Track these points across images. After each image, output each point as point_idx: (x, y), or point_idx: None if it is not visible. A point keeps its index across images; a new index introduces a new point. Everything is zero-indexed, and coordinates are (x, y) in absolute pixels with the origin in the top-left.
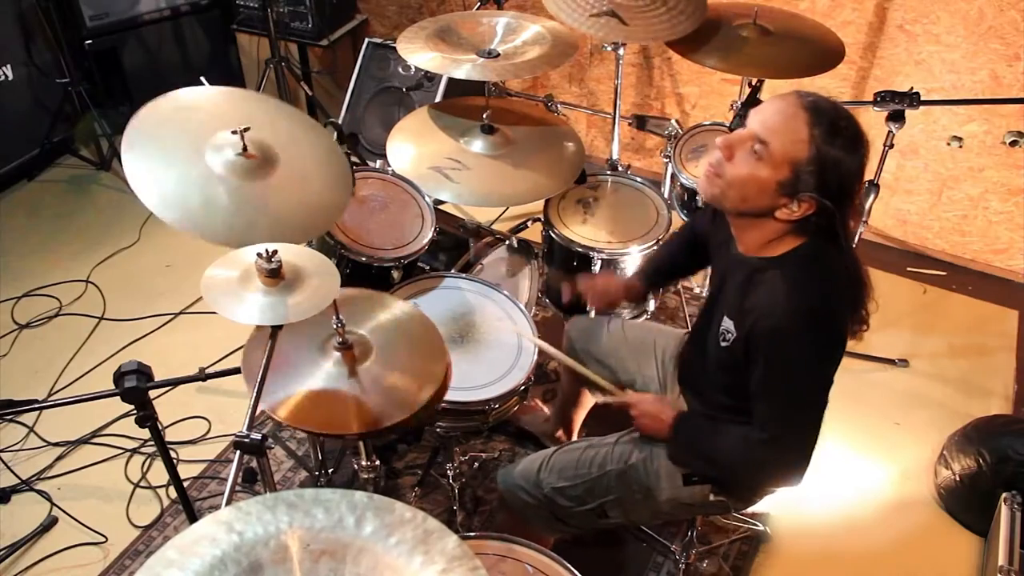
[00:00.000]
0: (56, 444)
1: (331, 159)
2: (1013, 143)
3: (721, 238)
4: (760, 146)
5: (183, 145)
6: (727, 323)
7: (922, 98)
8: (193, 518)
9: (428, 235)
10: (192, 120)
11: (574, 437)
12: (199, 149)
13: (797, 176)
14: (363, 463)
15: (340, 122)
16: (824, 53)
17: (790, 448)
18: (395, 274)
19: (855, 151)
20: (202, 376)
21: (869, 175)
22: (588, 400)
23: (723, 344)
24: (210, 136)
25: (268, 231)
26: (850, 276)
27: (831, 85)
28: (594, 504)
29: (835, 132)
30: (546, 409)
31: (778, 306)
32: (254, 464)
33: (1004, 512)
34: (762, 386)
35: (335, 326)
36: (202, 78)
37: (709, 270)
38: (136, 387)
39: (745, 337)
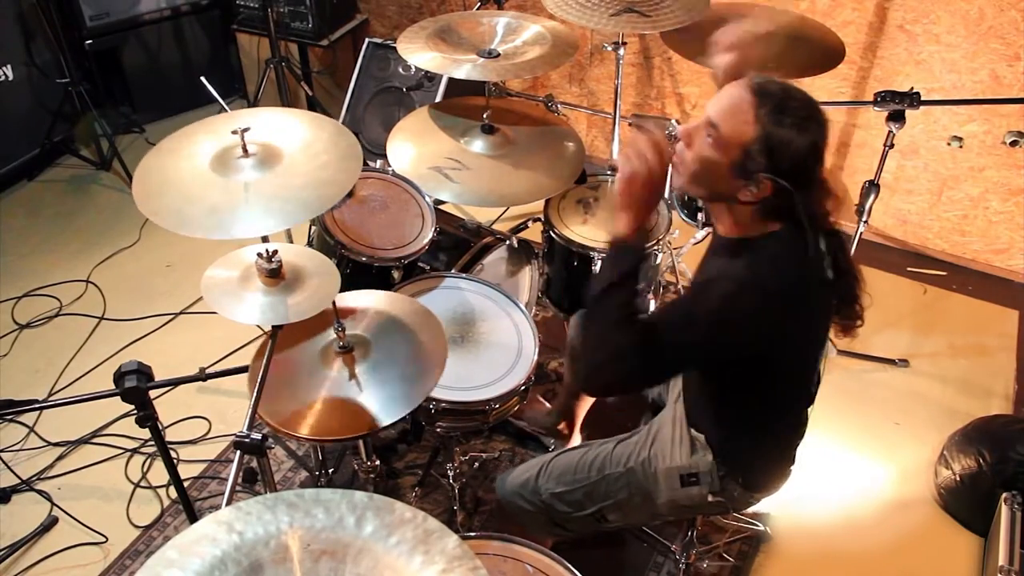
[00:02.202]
0: (56, 444)
1: (337, 135)
2: (1013, 143)
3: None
4: (712, 130)
5: (189, 169)
6: None
7: (922, 98)
8: (193, 518)
9: (428, 235)
10: (187, 148)
11: (576, 429)
12: (202, 165)
13: (747, 156)
14: (363, 463)
15: (340, 122)
16: (824, 53)
17: (641, 350)
18: (395, 274)
19: (805, 130)
20: (202, 376)
21: (868, 175)
22: None
23: None
24: (210, 151)
25: (287, 213)
26: (837, 268)
27: (831, 85)
28: (593, 508)
29: (782, 111)
30: (547, 404)
31: (724, 271)
32: (254, 464)
33: (1004, 512)
34: (669, 303)
35: (335, 330)
36: (203, 78)
37: None
38: (136, 387)
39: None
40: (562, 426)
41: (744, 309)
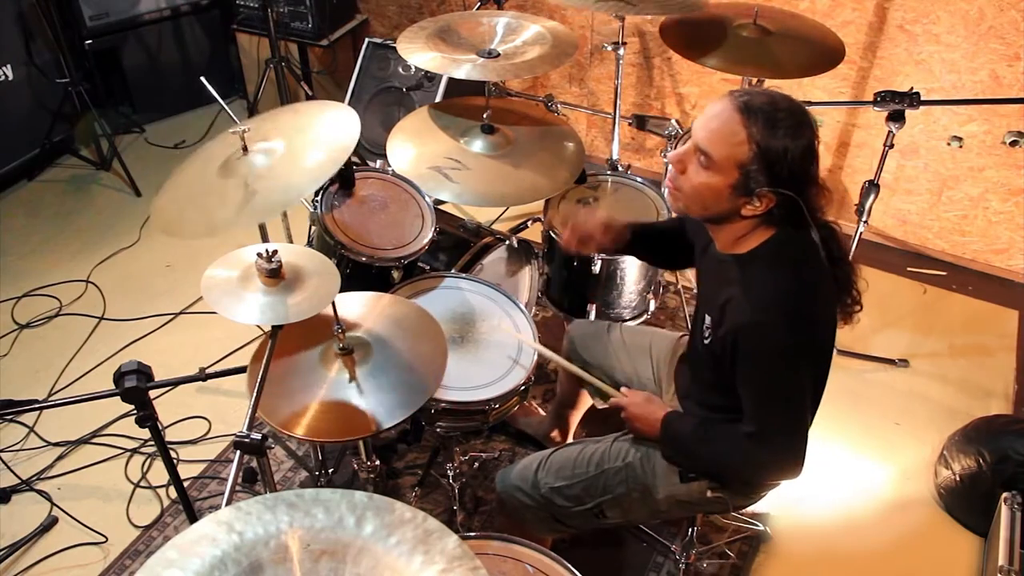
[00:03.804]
0: (56, 444)
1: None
2: (1013, 143)
3: (703, 241)
4: (703, 157)
5: (199, 181)
6: (707, 320)
7: (922, 98)
8: (193, 518)
9: (428, 235)
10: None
11: (570, 438)
12: (210, 172)
13: (746, 176)
14: (363, 463)
15: None
16: (824, 53)
17: (778, 440)
18: (395, 274)
19: (799, 136)
20: (202, 376)
21: (868, 175)
22: (584, 401)
23: (706, 341)
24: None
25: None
26: (831, 257)
27: (831, 85)
28: (592, 503)
29: (773, 124)
30: (541, 411)
31: (747, 301)
32: (254, 464)
33: (1004, 512)
34: (743, 381)
35: (335, 331)
36: (203, 78)
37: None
38: (136, 387)
39: (722, 333)
40: (555, 434)
41: (799, 318)
